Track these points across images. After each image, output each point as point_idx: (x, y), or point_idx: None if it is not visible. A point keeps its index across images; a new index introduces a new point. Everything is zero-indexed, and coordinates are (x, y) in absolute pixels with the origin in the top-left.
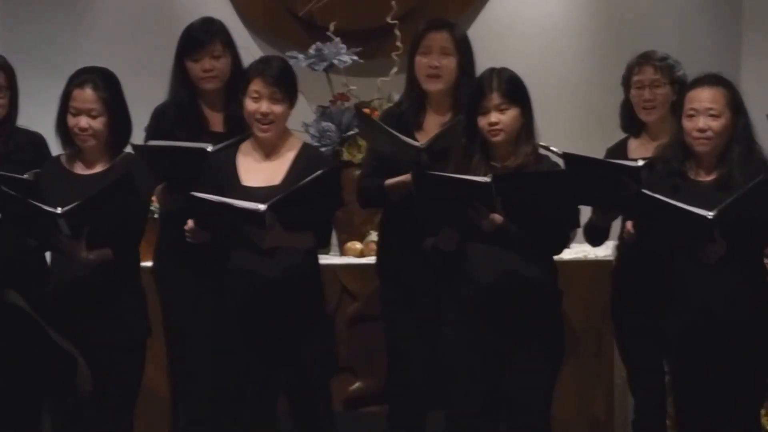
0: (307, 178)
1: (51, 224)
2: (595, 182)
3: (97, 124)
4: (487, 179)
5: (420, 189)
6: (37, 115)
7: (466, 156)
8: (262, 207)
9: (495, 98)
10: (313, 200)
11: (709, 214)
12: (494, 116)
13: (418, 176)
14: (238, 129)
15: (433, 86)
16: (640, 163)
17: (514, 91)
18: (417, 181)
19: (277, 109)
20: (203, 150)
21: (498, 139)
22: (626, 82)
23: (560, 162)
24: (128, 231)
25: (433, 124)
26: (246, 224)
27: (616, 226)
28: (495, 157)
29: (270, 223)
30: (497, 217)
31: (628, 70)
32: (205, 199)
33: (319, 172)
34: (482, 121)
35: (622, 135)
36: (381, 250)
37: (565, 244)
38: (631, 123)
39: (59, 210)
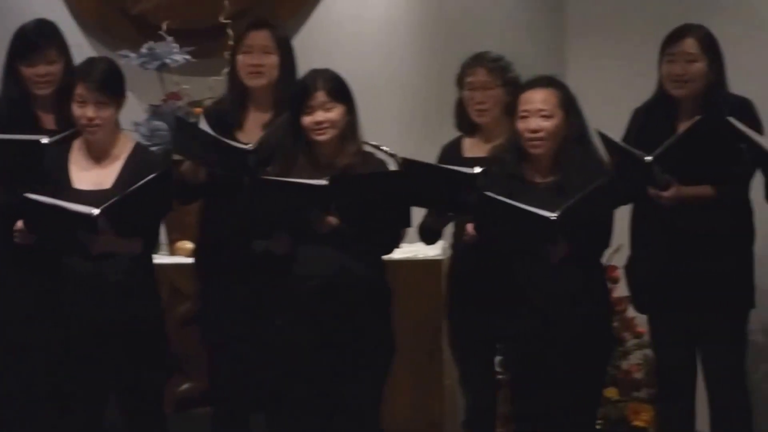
0: (139, 183)
1: (85, 226)
2: (433, 186)
3: None
4: (324, 182)
5: (254, 194)
6: None
7: (290, 157)
8: (95, 211)
9: (320, 96)
10: (145, 204)
11: (552, 216)
12: (320, 115)
13: (252, 182)
14: (70, 128)
15: (255, 82)
16: (477, 170)
17: (339, 89)
18: (252, 187)
19: (103, 113)
20: (37, 142)
21: (324, 137)
22: (460, 82)
23: (388, 160)
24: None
25: (253, 123)
26: (78, 228)
27: (449, 226)
28: (321, 156)
29: (102, 228)
30: (333, 220)
31: (462, 70)
32: (37, 200)
33: (150, 176)
34: (307, 120)
35: (451, 132)
36: (199, 250)
37: (396, 243)
38: (466, 122)
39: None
